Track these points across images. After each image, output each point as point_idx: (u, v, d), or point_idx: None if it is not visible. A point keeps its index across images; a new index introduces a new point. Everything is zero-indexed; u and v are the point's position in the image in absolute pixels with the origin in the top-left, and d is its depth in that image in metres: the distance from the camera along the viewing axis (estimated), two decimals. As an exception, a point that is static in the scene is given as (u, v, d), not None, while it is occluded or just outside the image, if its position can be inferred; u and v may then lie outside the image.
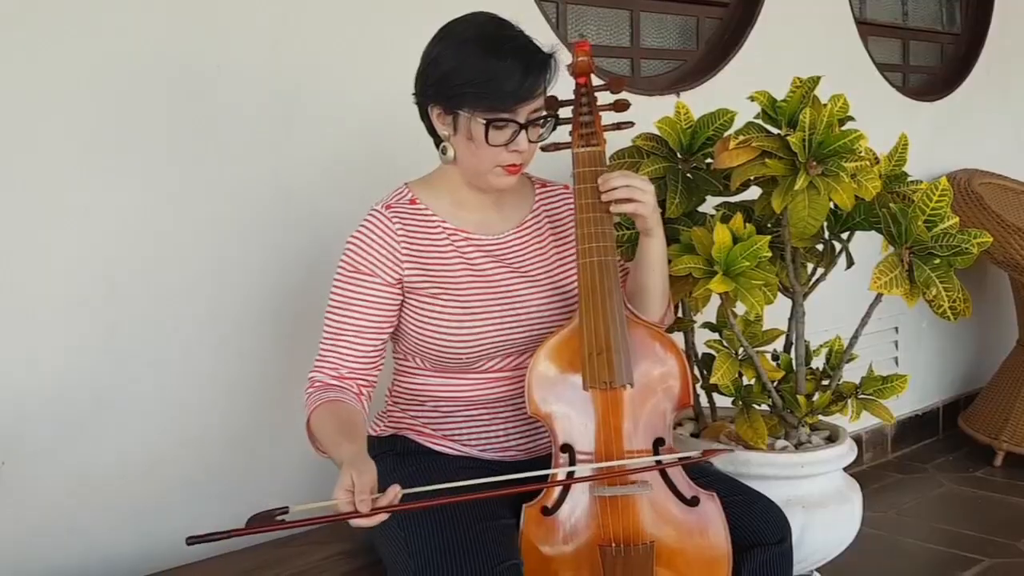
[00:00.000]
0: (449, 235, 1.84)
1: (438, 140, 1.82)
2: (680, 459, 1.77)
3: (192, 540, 1.44)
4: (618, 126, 1.89)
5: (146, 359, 2.05)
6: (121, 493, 2.03)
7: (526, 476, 1.66)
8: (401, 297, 1.82)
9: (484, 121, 1.72)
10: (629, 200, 1.78)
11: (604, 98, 1.88)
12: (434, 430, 1.90)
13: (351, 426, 1.69)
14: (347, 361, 1.79)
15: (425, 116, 1.81)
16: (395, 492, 1.49)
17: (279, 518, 1.49)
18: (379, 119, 2.32)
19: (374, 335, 1.80)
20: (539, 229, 1.93)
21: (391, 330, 1.84)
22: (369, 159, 2.32)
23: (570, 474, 1.72)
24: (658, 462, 1.74)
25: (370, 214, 1.83)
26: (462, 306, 1.81)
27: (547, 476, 1.73)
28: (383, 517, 1.48)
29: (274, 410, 2.22)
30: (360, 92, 2.31)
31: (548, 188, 1.99)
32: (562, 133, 1.86)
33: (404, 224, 1.82)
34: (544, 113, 1.78)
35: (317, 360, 1.81)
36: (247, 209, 2.16)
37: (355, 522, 1.48)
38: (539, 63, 1.73)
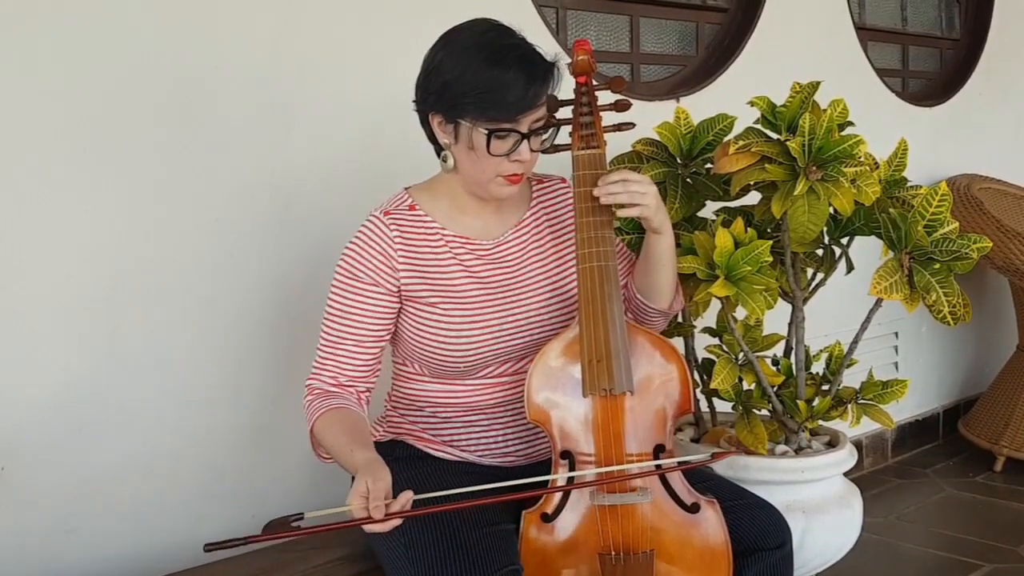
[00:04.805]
0: (448, 242, 1.83)
1: (438, 147, 1.81)
2: (683, 463, 1.76)
3: (209, 547, 1.46)
4: (619, 127, 1.88)
5: (147, 361, 2.05)
6: (123, 496, 2.03)
7: (537, 480, 1.68)
8: (399, 305, 1.81)
9: (486, 131, 1.70)
10: (632, 205, 1.78)
11: (604, 99, 1.87)
12: (433, 435, 1.90)
13: (360, 433, 1.70)
14: (346, 369, 1.79)
15: (426, 124, 1.79)
16: (407, 498, 1.51)
17: (294, 524, 1.52)
18: (378, 121, 2.32)
19: (372, 343, 1.80)
20: (538, 227, 1.92)
21: (389, 337, 1.84)
22: (368, 161, 2.32)
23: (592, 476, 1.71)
24: (658, 467, 1.74)
25: (368, 220, 1.82)
26: (461, 314, 1.80)
27: (559, 480, 1.73)
28: (396, 522, 1.51)
29: (276, 411, 2.22)
30: (359, 94, 2.31)
31: (545, 184, 1.97)
32: (562, 134, 1.85)
33: (402, 231, 1.81)
34: (546, 122, 1.76)
35: (315, 367, 1.81)
36: (247, 210, 2.16)
37: (368, 527, 1.50)
38: (542, 73, 1.71)
